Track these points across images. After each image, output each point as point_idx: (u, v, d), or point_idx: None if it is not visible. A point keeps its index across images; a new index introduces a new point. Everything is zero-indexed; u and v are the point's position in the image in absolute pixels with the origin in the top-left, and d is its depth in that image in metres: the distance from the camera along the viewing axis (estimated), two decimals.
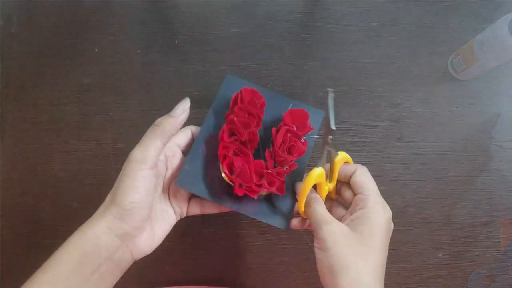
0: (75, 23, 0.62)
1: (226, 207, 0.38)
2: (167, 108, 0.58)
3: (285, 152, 0.38)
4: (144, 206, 0.33)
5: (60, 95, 0.60)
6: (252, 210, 0.38)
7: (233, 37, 0.59)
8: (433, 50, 0.56)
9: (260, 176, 0.38)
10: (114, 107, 0.59)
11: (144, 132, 0.58)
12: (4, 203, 0.59)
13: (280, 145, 0.38)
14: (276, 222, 0.39)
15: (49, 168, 0.59)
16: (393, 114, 0.55)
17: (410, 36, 0.57)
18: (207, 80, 0.58)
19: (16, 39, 0.63)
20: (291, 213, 0.40)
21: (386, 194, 0.54)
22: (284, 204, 0.40)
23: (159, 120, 0.37)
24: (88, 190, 0.57)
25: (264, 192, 0.39)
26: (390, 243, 0.53)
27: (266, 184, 0.37)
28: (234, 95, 0.40)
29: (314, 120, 0.42)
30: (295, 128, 0.39)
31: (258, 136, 0.39)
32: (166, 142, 0.37)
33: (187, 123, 0.58)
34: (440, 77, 0.56)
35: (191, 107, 0.59)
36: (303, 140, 0.40)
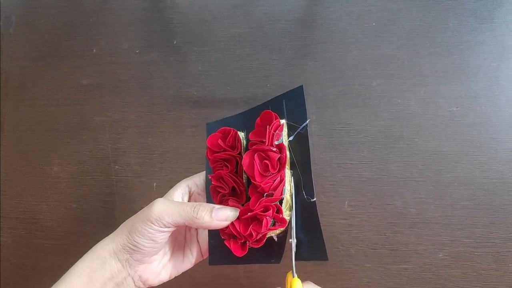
0: (74, 24, 0.62)
1: (265, 263, 0.35)
2: (166, 108, 0.59)
3: (259, 176, 0.32)
4: (144, 247, 0.35)
5: (59, 96, 0.60)
6: (278, 253, 0.34)
7: (233, 37, 0.59)
8: (433, 50, 0.56)
9: (249, 223, 0.32)
10: (112, 108, 0.59)
11: (144, 131, 0.58)
12: (3, 204, 0.59)
13: (249, 171, 0.33)
14: (313, 255, 0.33)
15: (48, 168, 0.59)
16: (393, 114, 0.55)
17: (410, 36, 0.57)
18: (207, 80, 0.58)
19: (15, 39, 0.63)
20: (320, 239, 0.33)
21: (386, 194, 0.54)
22: (308, 231, 0.34)
23: (202, 210, 0.34)
24: (87, 191, 0.57)
25: (273, 232, 0.34)
26: (391, 244, 0.53)
27: (254, 226, 0.32)
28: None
29: (294, 104, 0.35)
30: (267, 141, 0.33)
31: (236, 175, 0.35)
32: (190, 225, 0.35)
33: (186, 124, 0.58)
34: (440, 77, 0.56)
35: (190, 108, 0.59)
36: (274, 149, 0.33)
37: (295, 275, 0.33)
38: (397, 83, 0.56)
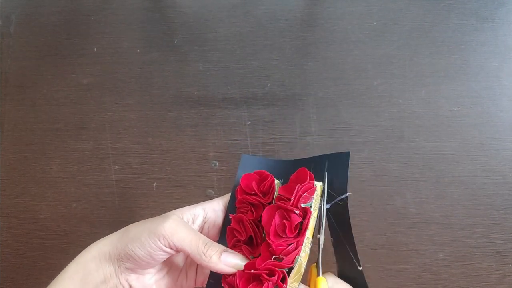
0: (74, 23, 0.62)
1: None
2: (166, 108, 0.59)
3: (274, 236, 0.30)
4: (140, 259, 0.33)
5: (59, 95, 0.60)
6: None
7: (233, 36, 0.59)
8: (434, 50, 0.56)
9: (250, 280, 0.30)
10: (113, 107, 0.59)
11: (144, 131, 0.58)
12: (3, 203, 0.59)
13: (266, 226, 0.31)
14: None
15: (48, 168, 0.58)
16: (393, 114, 0.55)
17: (411, 35, 0.57)
18: (207, 80, 0.58)
19: (15, 39, 0.63)
20: None
21: (387, 194, 0.54)
22: None
23: (212, 248, 0.32)
24: (87, 191, 0.57)
25: None
26: (391, 244, 0.53)
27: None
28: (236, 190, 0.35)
29: (336, 170, 0.33)
30: (292, 200, 0.31)
31: (258, 224, 0.33)
32: (193, 259, 0.33)
33: (186, 124, 0.58)
34: (441, 77, 0.56)
35: (191, 107, 0.59)
36: (297, 212, 0.31)
37: (321, 273, 0.32)
38: (398, 83, 0.56)
